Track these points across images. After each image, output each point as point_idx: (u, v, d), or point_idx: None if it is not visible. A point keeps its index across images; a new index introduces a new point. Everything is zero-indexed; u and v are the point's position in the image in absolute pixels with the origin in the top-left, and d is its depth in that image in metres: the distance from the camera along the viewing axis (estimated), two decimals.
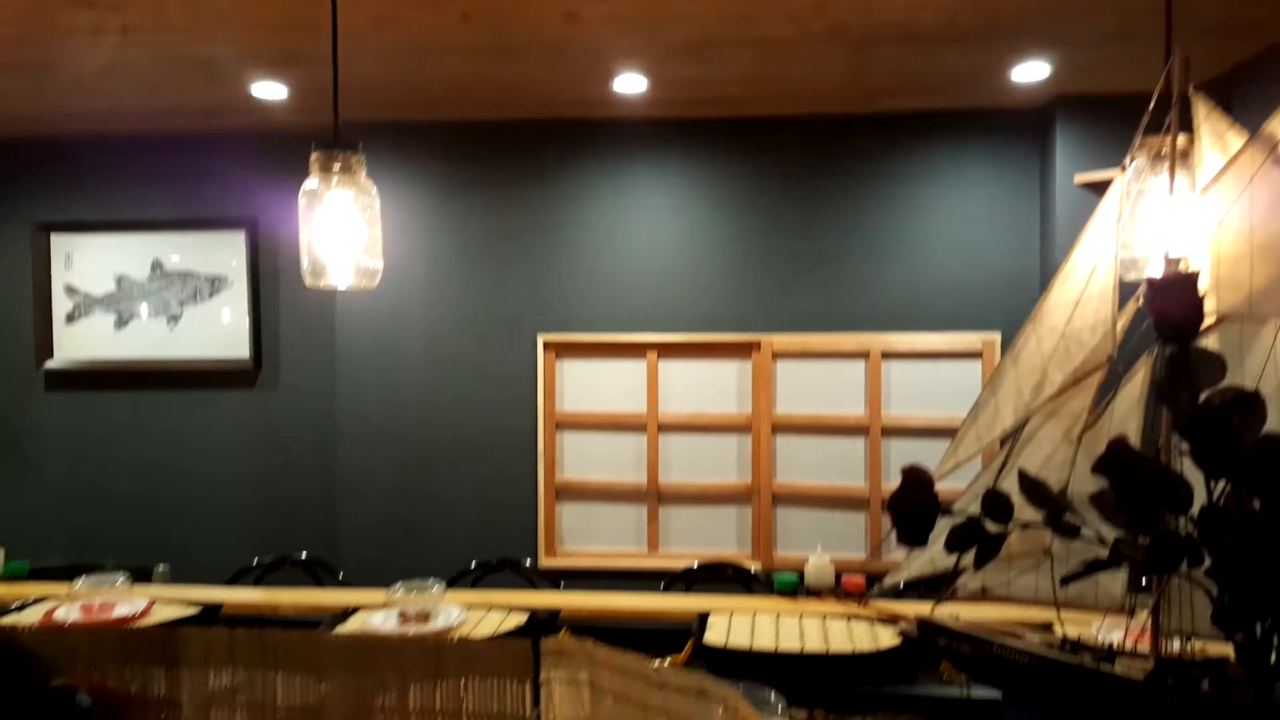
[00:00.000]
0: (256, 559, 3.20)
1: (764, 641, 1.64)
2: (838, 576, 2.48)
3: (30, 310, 4.23)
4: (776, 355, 3.94)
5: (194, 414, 4.19)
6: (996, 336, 3.87)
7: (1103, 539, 1.17)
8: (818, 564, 2.44)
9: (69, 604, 1.51)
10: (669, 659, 1.63)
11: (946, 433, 3.85)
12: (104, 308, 4.22)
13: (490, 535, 4.00)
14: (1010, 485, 1.30)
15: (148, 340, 4.20)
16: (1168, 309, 1.12)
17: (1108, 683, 1.19)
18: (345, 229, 1.64)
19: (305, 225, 1.67)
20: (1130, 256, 1.42)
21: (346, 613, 2.05)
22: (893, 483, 3.81)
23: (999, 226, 3.89)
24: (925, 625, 1.40)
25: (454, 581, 2.95)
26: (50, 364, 4.21)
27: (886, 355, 3.89)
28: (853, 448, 3.92)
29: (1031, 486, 1.23)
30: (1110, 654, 1.25)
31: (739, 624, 1.77)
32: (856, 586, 2.31)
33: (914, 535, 1.25)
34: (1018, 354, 1.45)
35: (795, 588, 2.35)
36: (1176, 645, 1.20)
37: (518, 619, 1.93)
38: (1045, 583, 1.35)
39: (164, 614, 1.88)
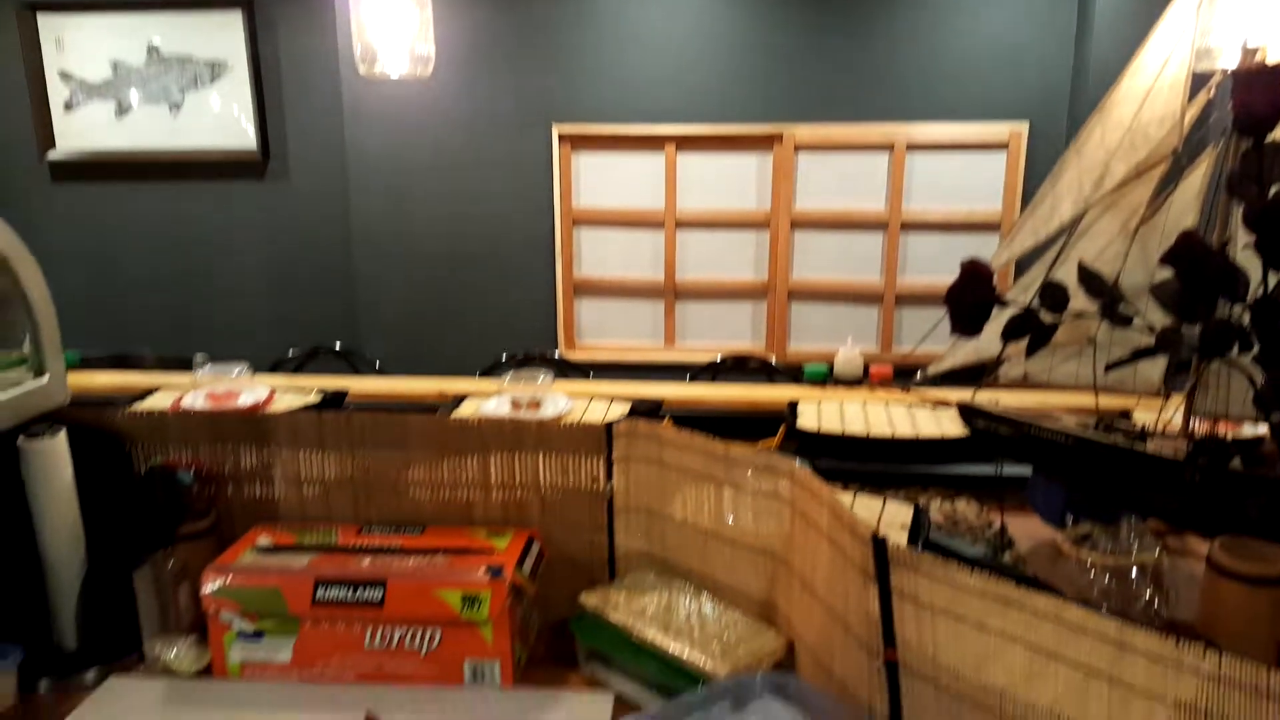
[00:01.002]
0: (291, 350, 3.28)
1: (855, 427, 1.72)
2: (865, 368, 2.57)
3: (26, 99, 4.08)
4: (799, 148, 3.87)
5: (204, 206, 4.15)
6: (1024, 127, 3.79)
7: (1151, 327, 1.22)
8: (847, 356, 2.52)
9: (195, 392, 1.54)
10: (760, 444, 1.71)
11: (966, 228, 3.85)
12: (102, 96, 4.08)
13: (510, 330, 4.09)
14: (1064, 276, 1.34)
15: (151, 130, 4.09)
16: (1251, 101, 1.11)
17: (1141, 461, 1.27)
18: (397, 11, 1.57)
19: (355, 8, 1.59)
20: (1205, 46, 1.38)
21: (458, 400, 2.09)
22: (909, 278, 3.90)
23: (1034, 8, 3.71)
24: (966, 409, 1.48)
25: (487, 373, 3.05)
26: (53, 155, 4.12)
27: (911, 147, 3.82)
28: (870, 243, 3.94)
29: (1089, 277, 1.26)
30: (1143, 434, 1.34)
31: (827, 411, 1.84)
32: (883, 376, 2.40)
33: (970, 325, 1.30)
34: (1081, 146, 1.44)
35: (825, 378, 2.44)
36: (1210, 427, 1.28)
37: (621, 407, 1.95)
38: (1085, 369, 1.41)
39: (286, 402, 1.89)
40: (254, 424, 1.35)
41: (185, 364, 3.13)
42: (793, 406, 1.91)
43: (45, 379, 1.30)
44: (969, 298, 1.27)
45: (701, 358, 3.98)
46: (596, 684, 1.23)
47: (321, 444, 1.35)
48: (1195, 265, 1.06)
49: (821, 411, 1.83)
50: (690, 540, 1.29)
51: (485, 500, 1.36)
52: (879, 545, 0.93)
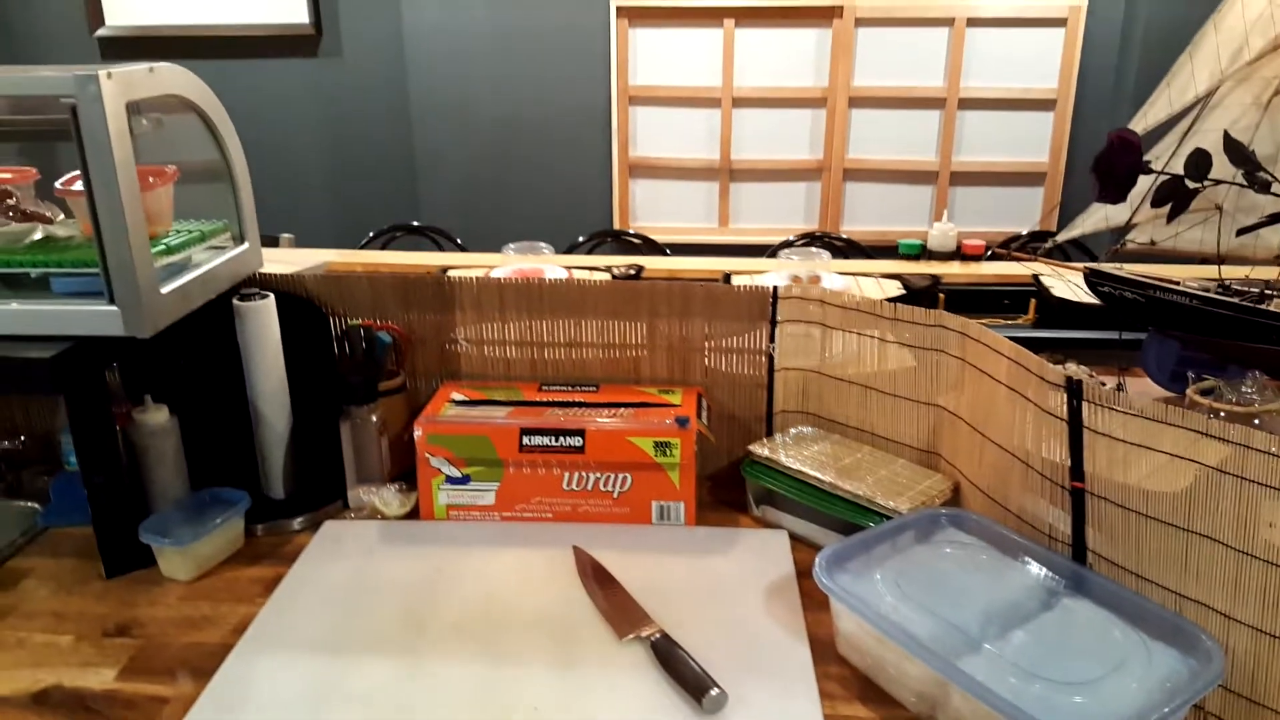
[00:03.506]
0: (376, 230, 3.33)
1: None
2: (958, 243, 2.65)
3: None
4: (859, 22, 3.82)
5: (257, 83, 4.12)
6: (1084, 2, 3.73)
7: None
8: (942, 229, 2.59)
9: (501, 269, 1.61)
10: (1020, 318, 1.82)
11: (1022, 105, 3.85)
12: None
13: (564, 210, 4.13)
14: (1200, 144, 1.40)
15: (199, 4, 4.02)
16: None
17: (1263, 318, 1.37)
18: None
19: None
20: None
21: (726, 276, 2.20)
22: (965, 157, 3.91)
23: None
24: (1093, 274, 1.57)
25: (569, 251, 3.12)
26: (103, 31, 4.07)
27: (972, 22, 3.78)
28: (927, 121, 3.94)
29: (1233, 146, 1.33)
30: (1263, 294, 1.43)
31: (1060, 285, 1.97)
32: (976, 249, 2.47)
33: (1117, 193, 1.37)
34: (1221, 19, 1.48)
35: (920, 253, 2.51)
36: None
37: (894, 286, 2.06)
38: (1210, 235, 1.49)
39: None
40: (441, 288, 1.44)
41: (271, 242, 3.21)
42: (1037, 279, 1.96)
43: (246, 246, 1.38)
44: (1120, 165, 1.33)
45: (756, 239, 4.05)
46: (768, 524, 1.35)
47: (502, 307, 1.44)
48: None
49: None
50: (848, 397, 1.40)
51: (651, 360, 1.46)
52: (1074, 386, 1.03)
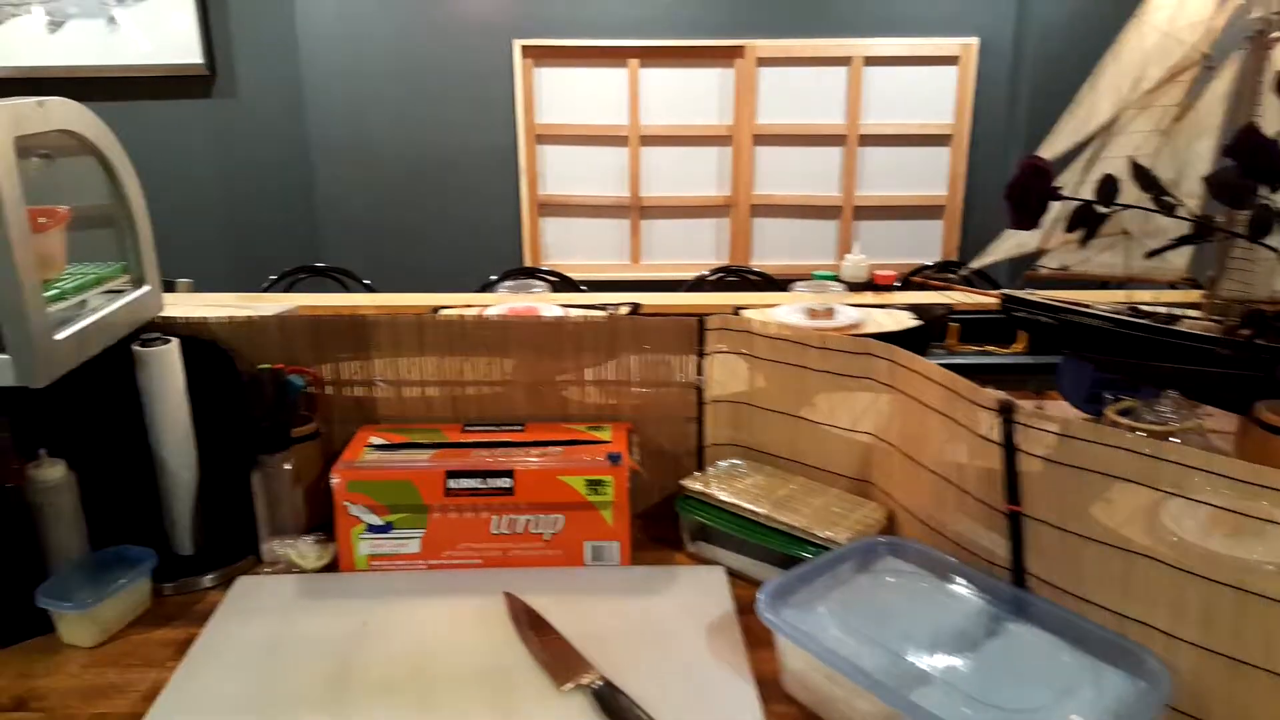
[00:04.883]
0: (280, 272, 3.21)
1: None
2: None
3: None
4: (760, 62, 3.92)
5: (149, 127, 3.96)
6: (975, 42, 3.92)
7: (1187, 217, 1.36)
8: (855, 261, 2.64)
9: (496, 308, 1.50)
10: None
11: (920, 140, 4.00)
12: (34, 5, 3.81)
13: (475, 248, 4.08)
14: (1105, 170, 1.47)
15: (87, 45, 3.85)
16: None
17: (1177, 339, 1.43)
18: None
19: None
20: None
21: (736, 310, 2.12)
22: (867, 192, 4.03)
23: None
24: (1008, 299, 1.62)
25: (484, 289, 3.07)
26: None
27: (869, 61, 3.92)
28: (829, 157, 4.05)
29: (1141, 172, 1.39)
30: (1172, 316, 1.49)
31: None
32: (888, 279, 2.53)
33: (1030, 219, 1.41)
34: (1119, 51, 1.56)
35: (832, 282, 2.56)
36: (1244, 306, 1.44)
37: (909, 318, 2.05)
38: (1119, 258, 1.56)
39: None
40: (356, 328, 1.38)
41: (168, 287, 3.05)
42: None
43: (147, 289, 1.30)
44: (1032, 192, 1.38)
45: (668, 275, 4.07)
46: (703, 560, 1.33)
47: (421, 347, 1.39)
48: (1253, 155, 1.19)
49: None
50: (779, 428, 1.39)
51: (580, 396, 1.43)
52: (1006, 408, 1.04)
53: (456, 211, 4.06)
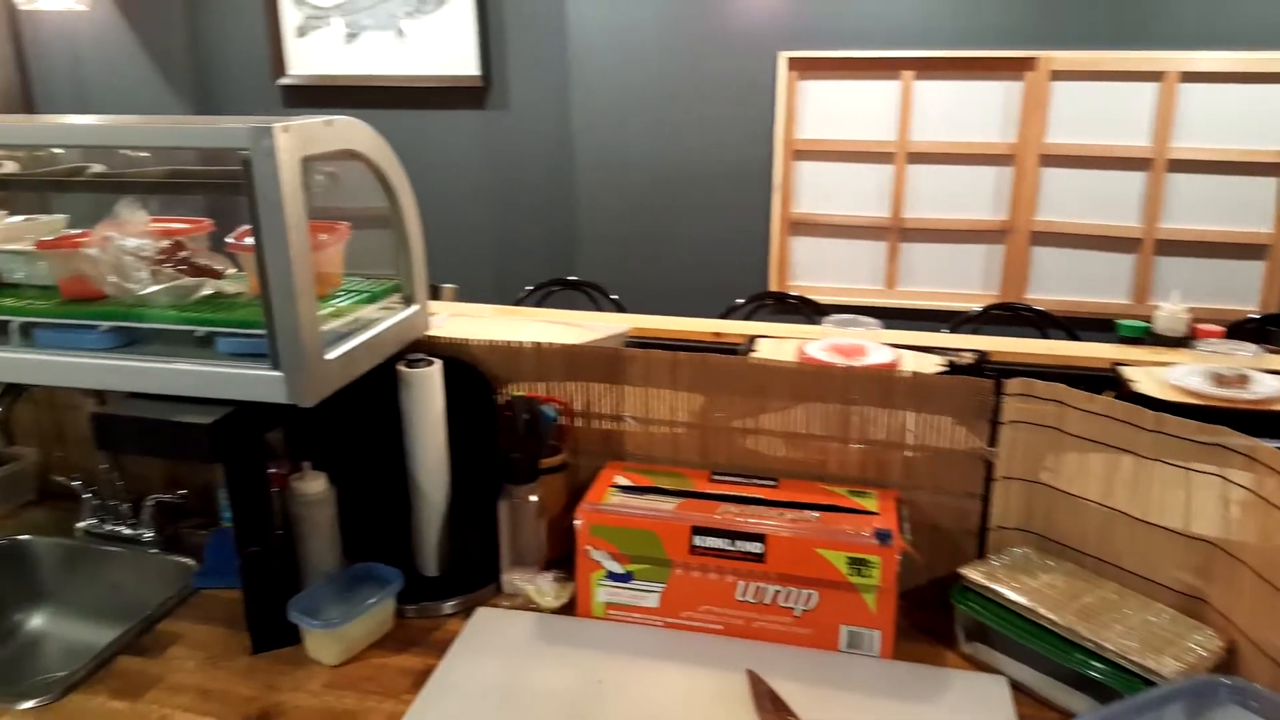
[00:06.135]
0: (536, 283, 3.29)
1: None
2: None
3: (264, 25, 4.23)
4: (1054, 75, 3.54)
5: (428, 135, 4.21)
6: None
7: None
8: (1171, 311, 2.29)
9: (816, 342, 1.41)
10: None
11: (1241, 168, 3.45)
12: (335, 18, 4.17)
13: (720, 266, 4.00)
14: None
15: (377, 55, 4.16)
16: None
17: None
18: None
19: None
20: None
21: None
22: (1174, 224, 3.53)
23: None
24: None
25: (726, 314, 2.98)
26: (285, 79, 4.27)
27: (1185, 77, 3.43)
28: (1128, 183, 3.59)
29: None
30: None
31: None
32: (1213, 334, 2.15)
33: None
34: None
35: (1144, 335, 2.21)
36: None
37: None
38: None
39: (919, 365, 1.54)
40: (609, 359, 1.31)
41: (433, 292, 3.22)
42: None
43: (415, 308, 1.30)
44: None
45: (927, 304, 3.79)
46: (978, 664, 1.14)
47: (674, 384, 1.30)
48: None
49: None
50: (1088, 519, 1.17)
51: (842, 455, 1.28)
52: None
53: (703, 226, 4.00)
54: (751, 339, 1.68)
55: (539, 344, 1.33)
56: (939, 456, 1.24)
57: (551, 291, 3.27)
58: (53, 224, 1.37)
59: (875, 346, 1.32)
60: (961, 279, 3.82)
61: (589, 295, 3.28)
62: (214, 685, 1.11)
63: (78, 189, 1.22)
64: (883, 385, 1.24)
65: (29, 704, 1.07)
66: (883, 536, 1.11)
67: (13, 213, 1.38)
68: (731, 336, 1.84)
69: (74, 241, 1.21)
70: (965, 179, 3.73)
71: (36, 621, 1.43)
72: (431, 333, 1.35)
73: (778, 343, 1.61)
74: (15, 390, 1.23)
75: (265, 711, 1.07)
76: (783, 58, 3.75)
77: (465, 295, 3.14)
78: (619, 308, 3.20)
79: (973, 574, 1.15)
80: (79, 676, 1.11)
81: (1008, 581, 1.13)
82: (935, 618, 1.21)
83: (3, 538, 1.44)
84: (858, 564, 1.11)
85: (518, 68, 4.06)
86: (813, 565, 1.12)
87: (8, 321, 1.16)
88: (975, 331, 3.03)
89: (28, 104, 4.45)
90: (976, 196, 3.74)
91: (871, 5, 3.62)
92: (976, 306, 3.24)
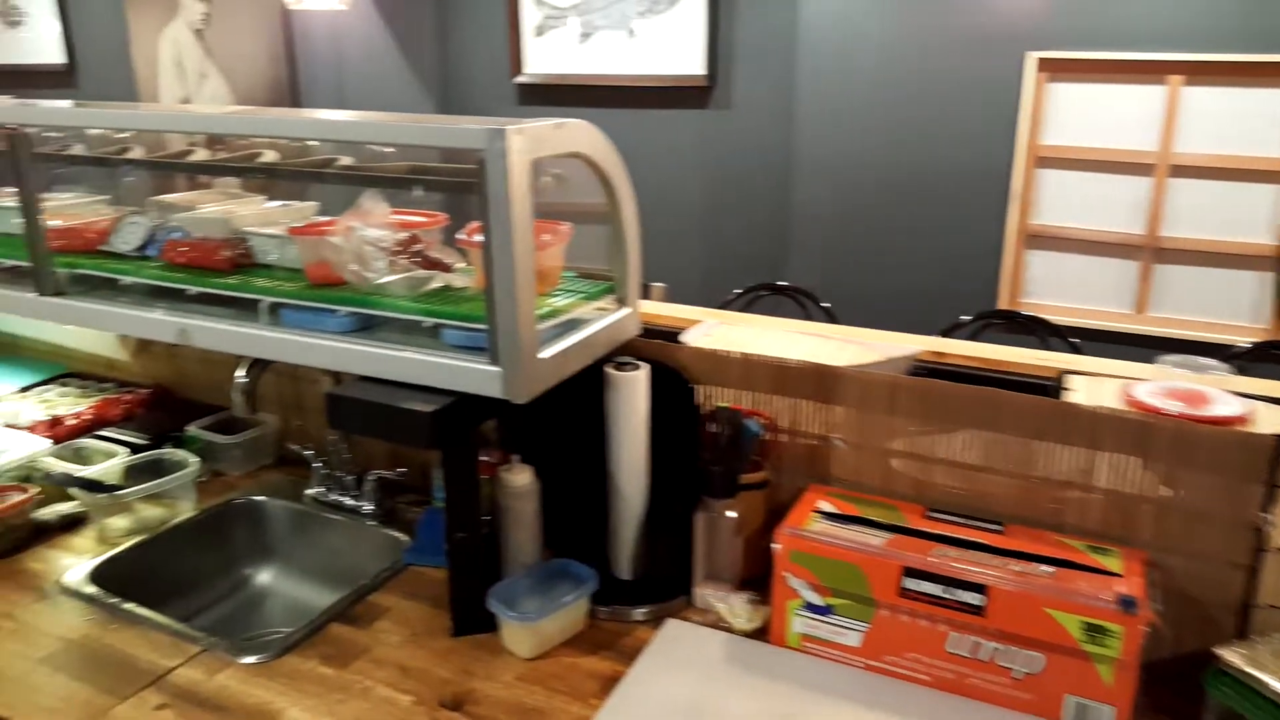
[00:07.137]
0: (745, 286, 3.24)
1: None
2: None
3: (506, 25, 4.43)
4: None
5: (651, 133, 4.25)
6: None
7: None
8: None
9: (1147, 386, 1.14)
10: None
11: None
12: (571, 17, 4.30)
13: (944, 278, 3.78)
14: None
15: (608, 55, 4.25)
16: None
17: None
18: None
19: None
20: None
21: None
22: None
23: None
24: None
25: (949, 332, 2.81)
26: (521, 77, 4.45)
27: None
28: None
29: None
30: None
31: None
32: None
33: None
34: None
35: None
36: None
37: None
38: None
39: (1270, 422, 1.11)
40: (820, 378, 1.25)
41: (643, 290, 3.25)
42: None
43: (627, 311, 1.29)
44: None
45: (1183, 333, 3.41)
46: None
47: (891, 409, 1.22)
48: None
49: None
50: None
51: (1081, 504, 1.14)
52: None
53: (927, 235, 3.79)
54: (1061, 374, 1.31)
55: (746, 354, 1.28)
56: (1199, 518, 1.08)
57: (760, 296, 3.21)
58: (304, 210, 1.48)
59: (1221, 395, 1.08)
60: (1229, 308, 3.40)
61: (798, 302, 3.19)
62: (414, 663, 1.15)
63: (328, 179, 1.30)
64: (1138, 432, 1.10)
65: (250, 659, 1.15)
66: (1127, 604, 0.98)
67: (271, 198, 1.51)
68: (1020, 367, 1.44)
69: (321, 229, 1.29)
70: (1236, 196, 3.32)
71: (264, 577, 1.55)
72: (700, 343, 1.34)
73: (1095, 381, 1.25)
74: (262, 363, 1.33)
75: (459, 698, 1.09)
76: (1031, 58, 3.48)
77: (675, 299, 3.13)
78: (830, 316, 3.09)
79: (1232, 657, 0.99)
80: (295, 639, 1.19)
81: (1276, 670, 0.96)
82: (1177, 699, 1.06)
83: (243, 497, 1.57)
84: (1094, 631, 0.99)
85: (744, 67, 4.03)
86: (1040, 626, 1.01)
87: (259, 300, 1.26)
88: (1242, 371, 2.68)
89: (295, 96, 4.91)
90: (1250, 218, 3.31)
91: (1137, 4, 3.29)
92: (1245, 341, 2.86)
